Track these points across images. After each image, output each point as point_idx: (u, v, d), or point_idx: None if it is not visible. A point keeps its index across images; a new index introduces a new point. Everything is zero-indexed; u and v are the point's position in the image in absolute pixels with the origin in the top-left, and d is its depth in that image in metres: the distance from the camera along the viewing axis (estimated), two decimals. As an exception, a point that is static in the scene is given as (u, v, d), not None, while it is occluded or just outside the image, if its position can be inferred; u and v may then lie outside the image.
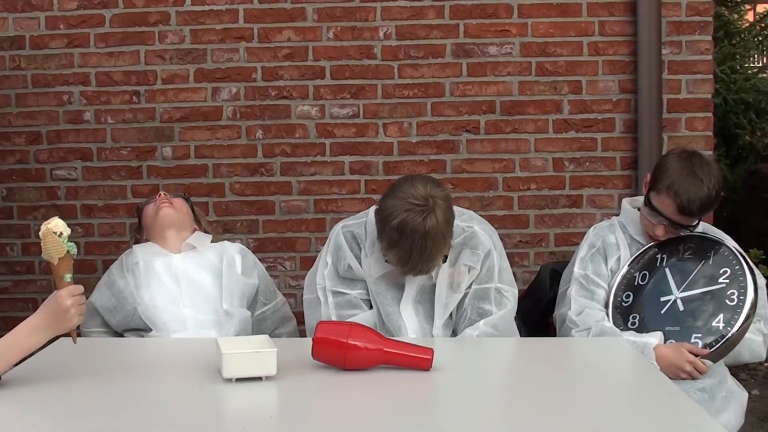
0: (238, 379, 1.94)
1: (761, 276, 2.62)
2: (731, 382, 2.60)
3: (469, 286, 2.48)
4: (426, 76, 3.86)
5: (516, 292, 2.54)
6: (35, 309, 4.33)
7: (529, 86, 3.86)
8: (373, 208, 2.45)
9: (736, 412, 2.54)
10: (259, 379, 1.95)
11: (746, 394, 2.63)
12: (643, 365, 2.23)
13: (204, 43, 3.85)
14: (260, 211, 3.89)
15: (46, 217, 4.03)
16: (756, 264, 2.91)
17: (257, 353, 1.98)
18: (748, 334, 2.53)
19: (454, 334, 2.50)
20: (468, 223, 2.52)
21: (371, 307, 2.49)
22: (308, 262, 3.10)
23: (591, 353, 2.37)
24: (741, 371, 4.29)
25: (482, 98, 3.86)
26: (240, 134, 3.88)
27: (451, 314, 2.49)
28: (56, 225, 1.96)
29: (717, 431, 1.69)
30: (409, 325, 2.44)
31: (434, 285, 2.46)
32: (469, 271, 2.47)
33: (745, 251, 2.66)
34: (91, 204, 3.89)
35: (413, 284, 2.46)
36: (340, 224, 2.58)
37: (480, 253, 2.48)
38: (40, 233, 1.98)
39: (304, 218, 3.91)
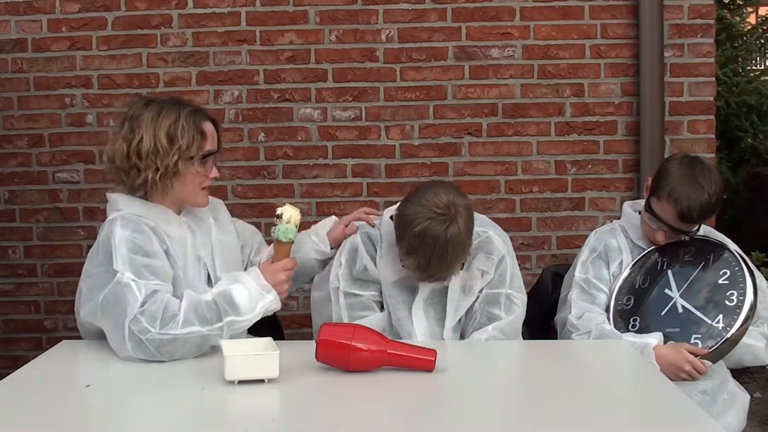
0: (241, 382, 1.94)
1: (761, 278, 2.62)
2: (733, 385, 2.60)
3: (481, 290, 2.48)
4: (428, 78, 3.86)
5: (525, 298, 2.52)
6: (37, 312, 4.31)
7: (531, 89, 3.86)
8: (388, 210, 2.45)
9: (737, 415, 2.54)
10: (262, 381, 1.95)
11: (748, 397, 2.62)
12: (645, 367, 2.22)
13: (206, 46, 3.85)
14: (262, 213, 3.88)
15: (48, 220, 3.97)
16: (758, 267, 2.91)
17: (259, 356, 1.98)
18: (750, 341, 2.53)
19: (462, 336, 2.50)
20: (483, 227, 2.50)
21: (383, 308, 2.49)
22: (310, 265, 3.09)
23: (593, 355, 2.36)
24: (743, 374, 4.27)
25: (484, 101, 3.86)
26: (242, 137, 3.88)
27: (460, 318, 2.49)
28: (297, 220, 2.25)
29: (719, 434, 1.69)
30: (419, 329, 2.43)
31: (446, 288, 2.46)
32: (482, 275, 2.46)
33: (747, 254, 2.66)
34: (93, 207, 3.88)
35: (426, 287, 2.45)
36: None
37: (494, 258, 2.47)
38: (290, 215, 2.23)
39: (306, 221, 3.89)
